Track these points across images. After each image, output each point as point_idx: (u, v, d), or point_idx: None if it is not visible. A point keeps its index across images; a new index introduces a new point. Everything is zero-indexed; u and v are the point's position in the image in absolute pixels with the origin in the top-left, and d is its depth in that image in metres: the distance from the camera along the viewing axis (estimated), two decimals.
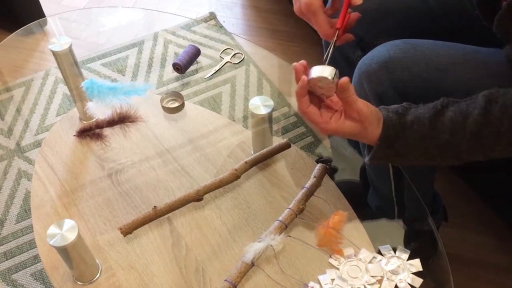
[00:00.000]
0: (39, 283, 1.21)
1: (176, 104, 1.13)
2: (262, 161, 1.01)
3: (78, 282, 0.86)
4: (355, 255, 0.86)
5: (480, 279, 1.25)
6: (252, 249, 0.84)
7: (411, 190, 0.94)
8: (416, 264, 0.84)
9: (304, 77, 0.74)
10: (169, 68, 1.53)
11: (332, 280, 0.83)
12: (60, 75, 1.42)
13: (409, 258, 0.85)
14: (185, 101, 1.13)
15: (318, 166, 0.97)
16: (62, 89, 1.56)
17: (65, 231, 0.77)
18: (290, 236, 0.89)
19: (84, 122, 1.12)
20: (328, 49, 0.81)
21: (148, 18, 1.88)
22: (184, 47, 1.50)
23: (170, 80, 1.48)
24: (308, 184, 0.94)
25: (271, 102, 0.95)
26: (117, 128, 1.10)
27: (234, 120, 1.40)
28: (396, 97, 0.86)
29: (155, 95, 1.23)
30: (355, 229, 0.90)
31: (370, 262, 0.84)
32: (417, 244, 0.88)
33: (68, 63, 1.01)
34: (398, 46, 0.87)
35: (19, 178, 1.39)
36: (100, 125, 1.09)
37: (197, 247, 0.90)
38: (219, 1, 2.08)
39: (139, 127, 1.10)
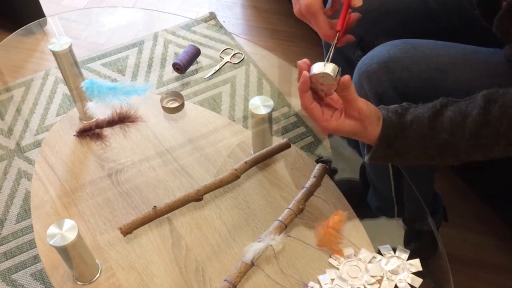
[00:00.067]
0: (39, 283, 1.21)
1: (176, 104, 1.13)
2: (262, 161, 1.01)
3: (78, 282, 0.86)
4: (355, 255, 0.86)
5: (480, 279, 1.25)
6: (252, 249, 0.84)
7: (411, 190, 0.94)
8: (416, 264, 0.84)
9: (305, 72, 0.74)
10: (169, 68, 1.53)
11: (332, 280, 0.83)
12: (60, 75, 1.43)
13: (409, 258, 0.85)
14: (185, 101, 1.13)
15: (318, 166, 0.97)
16: (62, 89, 1.56)
17: (65, 231, 0.77)
18: (290, 236, 0.89)
19: (84, 122, 1.12)
20: (329, 51, 0.80)
21: (148, 18, 1.88)
22: (184, 47, 1.50)
23: (170, 80, 1.48)
24: (308, 184, 0.94)
25: (271, 102, 0.95)
26: (117, 128, 1.10)
27: (234, 120, 1.40)
28: (396, 97, 0.86)
29: (155, 95, 1.23)
30: (355, 229, 0.90)
31: (370, 262, 0.84)
32: (417, 244, 0.88)
33: (68, 63, 1.02)
34: (398, 46, 0.87)
35: (19, 178, 1.39)
36: (100, 125, 1.09)
37: (197, 247, 0.90)
38: (219, 1, 2.08)
39: (139, 127, 1.10)
